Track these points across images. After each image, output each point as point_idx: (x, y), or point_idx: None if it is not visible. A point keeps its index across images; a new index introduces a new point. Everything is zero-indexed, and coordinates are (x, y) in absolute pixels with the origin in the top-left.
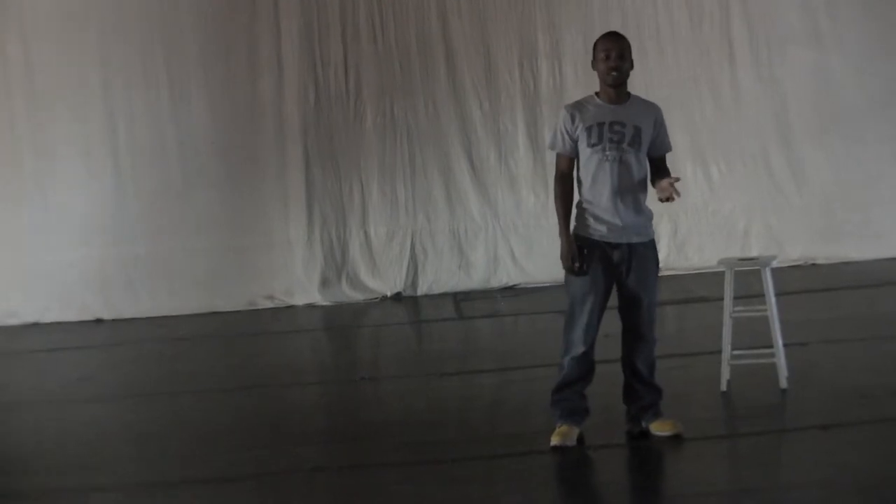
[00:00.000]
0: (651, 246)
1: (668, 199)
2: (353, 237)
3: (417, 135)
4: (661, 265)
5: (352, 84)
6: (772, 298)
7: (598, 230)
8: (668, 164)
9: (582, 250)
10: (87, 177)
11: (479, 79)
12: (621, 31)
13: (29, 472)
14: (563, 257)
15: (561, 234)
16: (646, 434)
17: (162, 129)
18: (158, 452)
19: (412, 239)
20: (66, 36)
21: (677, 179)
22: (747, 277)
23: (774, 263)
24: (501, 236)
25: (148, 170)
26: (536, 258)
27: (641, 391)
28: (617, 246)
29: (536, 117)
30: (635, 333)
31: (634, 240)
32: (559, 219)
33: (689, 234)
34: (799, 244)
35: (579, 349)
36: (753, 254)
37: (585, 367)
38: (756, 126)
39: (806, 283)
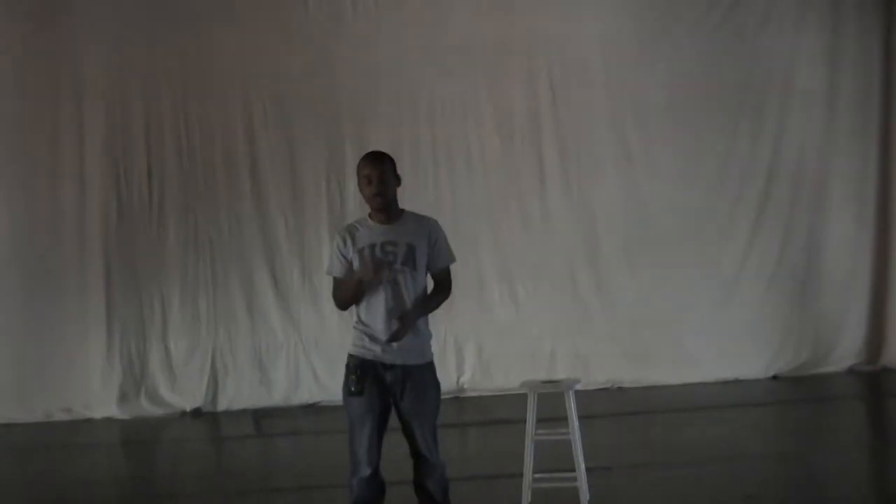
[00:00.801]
0: (429, 368)
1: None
2: (152, 351)
3: (220, 249)
4: (465, 385)
5: (155, 197)
6: (574, 422)
7: (373, 350)
8: (475, 282)
9: (356, 370)
10: None
11: (285, 194)
12: (431, 148)
13: None
14: (361, 273)
15: (354, 284)
16: None
17: None
18: None
19: (213, 354)
20: None
21: (402, 317)
22: (553, 400)
23: (578, 387)
24: (303, 353)
25: None
26: (339, 375)
27: None
28: (391, 367)
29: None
30: (418, 456)
31: (410, 361)
32: (347, 292)
33: (495, 355)
34: (605, 367)
35: (366, 471)
36: (560, 376)
37: (374, 488)
38: (564, 247)
39: (612, 407)
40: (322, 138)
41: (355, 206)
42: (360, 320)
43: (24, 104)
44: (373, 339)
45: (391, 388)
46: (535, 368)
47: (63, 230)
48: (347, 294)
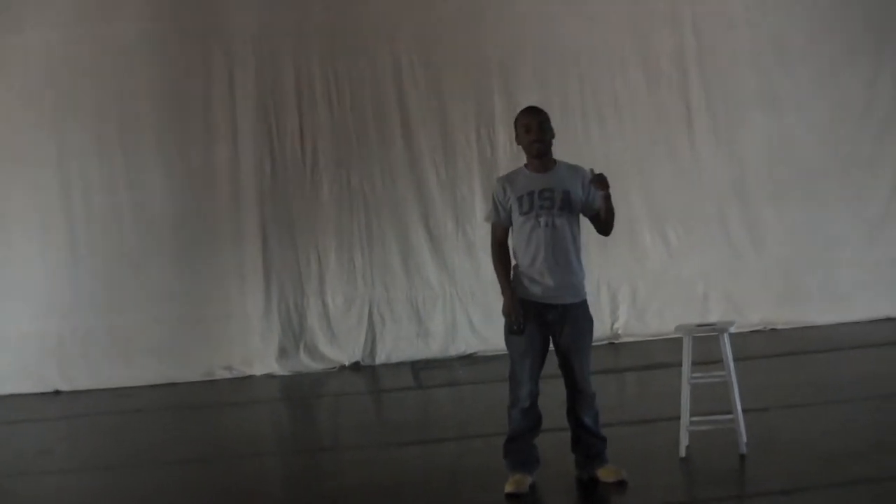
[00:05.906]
0: (584, 306)
1: (602, 190)
2: (310, 306)
3: (374, 203)
4: (620, 331)
5: (308, 153)
6: (730, 364)
7: (534, 292)
8: (627, 228)
9: (519, 311)
10: (42, 247)
11: (436, 146)
12: (579, 96)
13: None
14: (505, 312)
15: (504, 292)
16: (594, 480)
17: (117, 198)
18: None
19: (370, 308)
20: (20, 104)
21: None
22: (707, 343)
23: (732, 329)
24: (459, 304)
25: (104, 240)
26: (495, 325)
27: (588, 440)
28: (553, 307)
29: (494, 184)
30: (575, 388)
31: (568, 300)
32: (500, 278)
33: (649, 300)
34: (759, 309)
35: (525, 403)
36: (713, 319)
37: (532, 419)
38: (714, 190)
39: (766, 349)
40: (471, 90)
41: (506, 156)
42: (520, 263)
43: (176, 66)
44: (532, 281)
45: (552, 326)
46: (688, 312)
47: (218, 188)
48: (498, 276)
